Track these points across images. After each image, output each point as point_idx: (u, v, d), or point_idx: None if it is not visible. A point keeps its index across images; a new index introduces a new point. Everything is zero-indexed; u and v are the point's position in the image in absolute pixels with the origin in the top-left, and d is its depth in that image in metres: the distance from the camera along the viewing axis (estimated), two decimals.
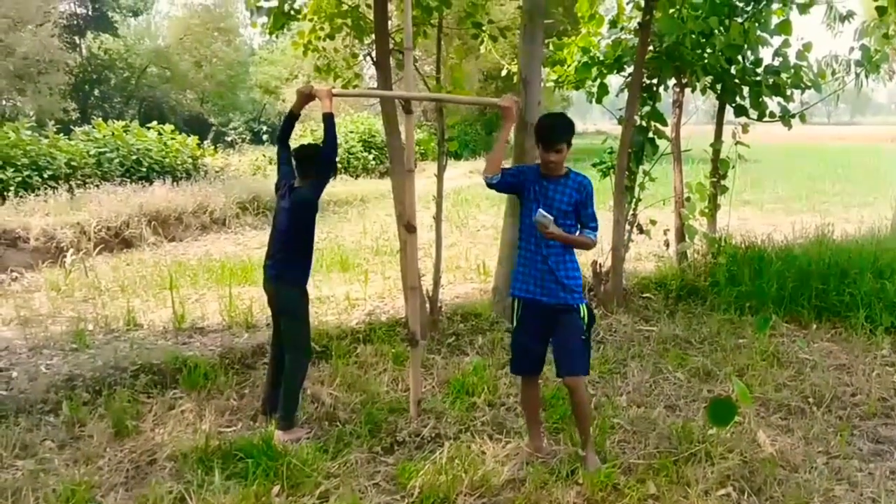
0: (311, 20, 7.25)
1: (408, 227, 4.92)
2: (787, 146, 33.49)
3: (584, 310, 4.23)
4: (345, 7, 6.75)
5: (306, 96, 4.83)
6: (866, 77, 8.78)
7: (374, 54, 6.45)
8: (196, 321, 7.24)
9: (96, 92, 41.47)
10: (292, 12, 6.36)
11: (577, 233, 4.20)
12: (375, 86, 6.90)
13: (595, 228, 4.22)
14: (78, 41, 39.28)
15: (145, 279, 9.39)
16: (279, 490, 4.06)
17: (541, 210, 4.01)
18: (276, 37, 7.41)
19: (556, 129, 4.10)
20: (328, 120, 4.83)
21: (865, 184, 20.77)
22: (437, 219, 6.79)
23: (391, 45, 6.40)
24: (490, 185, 4.39)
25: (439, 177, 6.74)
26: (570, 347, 4.19)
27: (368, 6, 6.48)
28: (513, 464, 4.38)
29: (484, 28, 7.21)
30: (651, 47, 7.58)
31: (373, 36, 6.56)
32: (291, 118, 5.08)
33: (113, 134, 15.75)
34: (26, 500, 3.92)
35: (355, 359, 6.17)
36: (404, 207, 6.56)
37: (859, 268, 7.25)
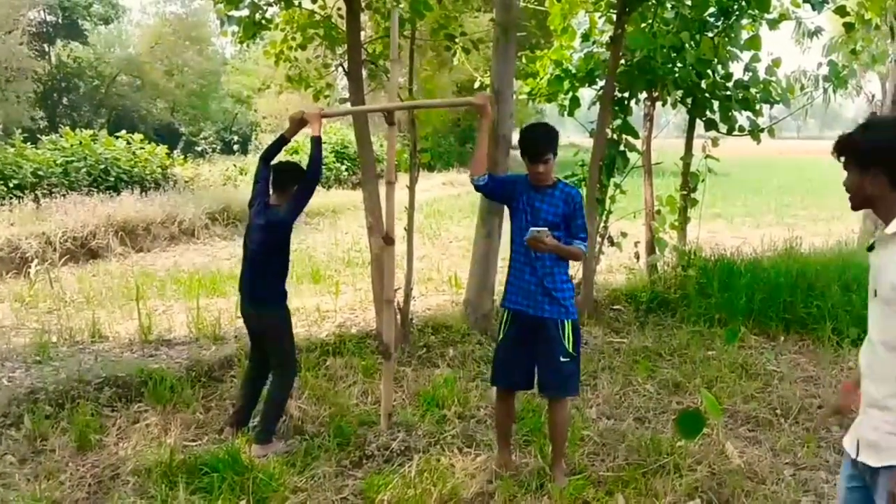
0: (282, 30, 7.21)
1: (386, 238, 4.85)
2: (757, 160, 33.93)
3: (569, 326, 4.14)
4: (317, 17, 6.72)
5: (298, 122, 4.78)
6: (834, 92, 8.92)
7: (346, 65, 6.43)
8: (163, 333, 7.13)
9: (65, 100, 40.96)
10: (263, 21, 6.32)
11: (568, 243, 4.12)
12: (347, 96, 6.87)
13: (585, 239, 4.16)
14: (47, 49, 38.80)
15: (111, 290, 9.25)
16: None
17: (532, 228, 3.93)
18: (248, 46, 7.35)
19: (541, 141, 4.06)
20: (316, 143, 4.79)
21: (833, 197, 21.06)
22: (409, 230, 6.77)
23: (363, 56, 6.39)
24: (477, 188, 4.37)
25: (411, 188, 6.72)
26: (554, 366, 4.13)
27: (341, 17, 6.45)
28: (482, 477, 4.35)
29: (457, 40, 7.21)
30: (623, 61, 7.64)
31: (345, 46, 6.54)
32: (282, 141, 5.03)
33: (81, 143, 15.54)
34: None
35: (325, 371, 6.11)
36: (376, 219, 6.57)
37: (826, 281, 7.33)
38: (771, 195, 21.82)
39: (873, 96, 11.91)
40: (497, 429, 4.60)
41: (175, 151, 19.56)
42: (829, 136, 75.83)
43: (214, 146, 32.53)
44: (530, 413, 5.22)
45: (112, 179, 15.16)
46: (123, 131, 17.44)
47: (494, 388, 4.55)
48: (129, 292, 9.02)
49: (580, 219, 4.12)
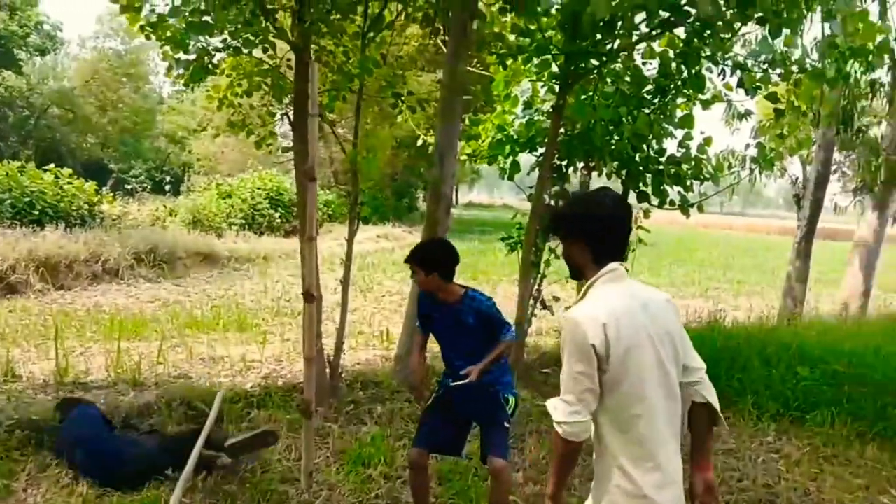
0: (228, 75, 7.17)
1: (306, 296, 4.74)
2: (681, 232, 34.95)
3: (512, 400, 4.25)
4: (265, 66, 6.72)
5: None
6: (759, 173, 9.29)
7: (291, 115, 6.42)
8: (80, 376, 6.86)
9: None
10: (210, 66, 6.28)
11: (494, 346, 4.14)
12: (288, 144, 6.85)
13: (509, 328, 4.20)
14: None
15: (27, 328, 8.89)
16: None
17: (451, 384, 4.10)
18: (191, 88, 7.23)
19: (415, 257, 4.16)
20: None
21: (754, 272, 21.86)
22: (345, 283, 6.71)
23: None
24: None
25: (349, 241, 6.69)
26: (496, 432, 4.16)
27: (290, 67, 6.46)
28: None
29: (403, 99, 7.29)
30: (562, 130, 7.82)
31: (291, 96, 6.54)
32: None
33: (7, 174, 15.03)
34: None
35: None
36: (310, 275, 6.49)
37: (748, 355, 7.53)
38: (694, 266, 22.47)
39: (797, 178, 12.45)
40: (415, 499, 4.50)
41: (104, 188, 19.06)
42: (750, 213, 79.07)
43: (145, 185, 31.89)
44: (457, 476, 5.17)
45: (37, 213, 14.66)
46: (52, 165, 16.91)
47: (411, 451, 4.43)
48: (46, 331, 8.69)
49: (495, 319, 4.15)
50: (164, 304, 11.29)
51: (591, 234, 2.59)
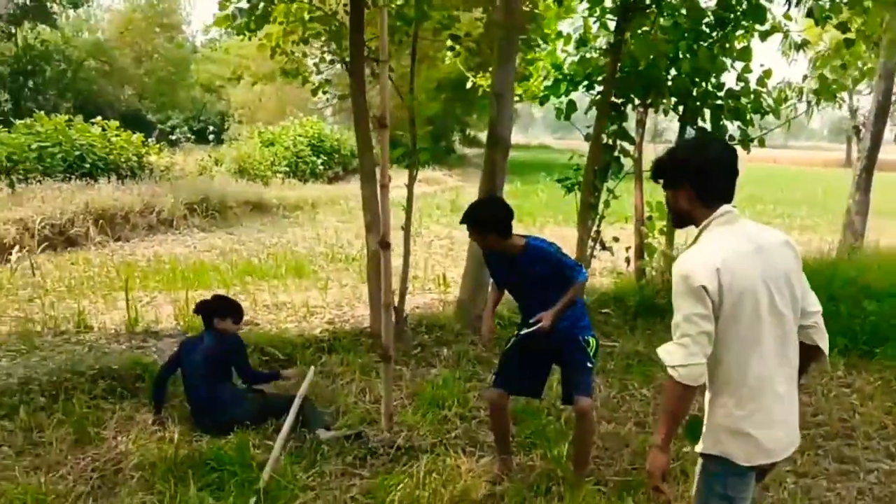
0: (281, 23, 7.12)
1: (382, 243, 4.77)
2: None
3: (592, 342, 4.24)
4: (320, 13, 6.65)
5: None
6: (816, 105, 9.06)
7: (348, 62, 6.38)
8: (150, 325, 7.02)
9: (31, 84, 40.08)
10: (267, 13, 6.24)
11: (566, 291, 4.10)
12: (348, 93, 6.81)
13: (579, 269, 4.16)
14: (14, 31, 37.91)
15: (92, 279, 9.09)
16: (255, 502, 3.95)
17: (524, 331, 4.09)
18: (244, 36, 7.19)
19: (469, 221, 4.12)
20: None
21: (804, 206, 21.48)
22: (406, 230, 6.74)
23: (366, 53, 6.34)
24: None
25: (409, 187, 6.69)
26: (580, 374, 4.18)
27: (346, 12, 6.40)
28: (488, 479, 4.35)
29: (461, 41, 7.20)
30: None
31: (346, 42, 6.48)
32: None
33: (56, 128, 15.20)
34: None
35: (321, 369, 6.06)
36: (374, 219, 6.53)
37: (815, 291, 7.43)
38: (742, 201, 22.06)
39: (856, 109, 12.13)
40: (495, 435, 4.58)
41: (150, 139, 19.20)
42: (793, 145, 77.24)
43: (188, 136, 32.03)
44: (530, 416, 5.23)
45: (88, 166, 14.85)
46: (99, 117, 17.08)
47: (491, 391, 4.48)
48: (110, 282, 8.89)
49: (561, 262, 4.12)
50: (220, 253, 11.46)
51: (697, 179, 2.54)
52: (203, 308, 5.29)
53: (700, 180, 2.54)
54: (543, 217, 16.20)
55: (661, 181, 2.69)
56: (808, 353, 2.68)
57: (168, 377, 5.19)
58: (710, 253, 2.44)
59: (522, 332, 4.14)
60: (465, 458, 4.61)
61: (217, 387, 5.02)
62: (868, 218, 11.85)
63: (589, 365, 4.20)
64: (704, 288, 2.37)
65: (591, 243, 7.91)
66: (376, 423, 5.06)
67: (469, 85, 9.79)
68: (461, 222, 4.16)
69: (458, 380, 5.92)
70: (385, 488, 4.15)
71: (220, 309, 5.27)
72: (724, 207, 2.53)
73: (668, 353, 2.45)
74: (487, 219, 4.08)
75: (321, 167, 22.93)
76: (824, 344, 2.67)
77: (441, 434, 4.98)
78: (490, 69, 7.38)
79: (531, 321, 4.03)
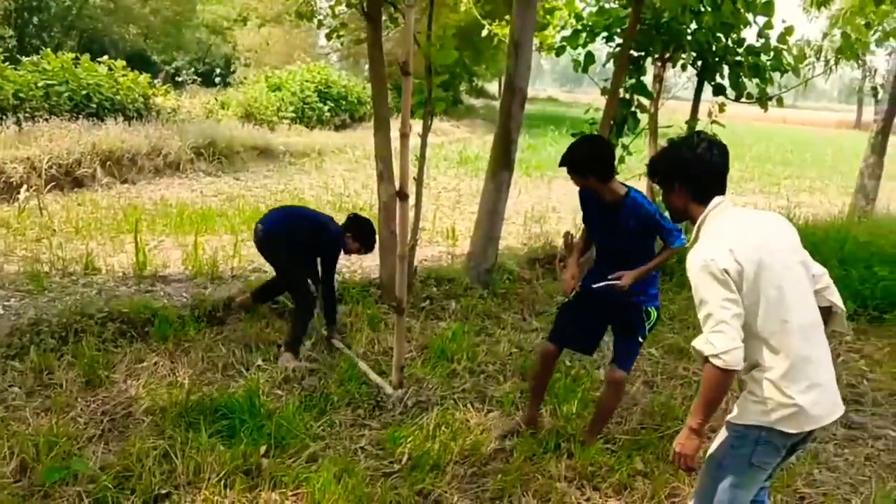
0: None
1: (400, 194, 4.67)
2: (734, 125, 33.94)
3: (654, 314, 4.09)
4: None
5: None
6: (836, 64, 8.88)
7: (365, 5, 6.24)
8: (158, 269, 6.99)
9: (35, 20, 39.53)
10: None
11: (653, 253, 4.01)
12: (363, 37, 6.67)
13: (678, 235, 3.87)
14: None
15: (100, 221, 9.03)
16: (266, 450, 3.96)
17: (599, 284, 3.93)
18: None
19: (567, 162, 3.93)
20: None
21: (813, 167, 21.29)
22: (419, 180, 6.65)
23: None
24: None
25: (423, 137, 6.58)
26: (629, 343, 4.11)
27: None
28: (497, 433, 4.36)
29: None
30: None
31: None
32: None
33: (63, 66, 14.97)
34: (0, 449, 3.74)
35: None
36: (386, 166, 6.45)
37: (825, 254, 7.39)
38: (751, 161, 21.89)
39: (875, 70, 11.92)
40: (532, 385, 4.54)
41: (156, 80, 18.94)
42: (803, 105, 76.35)
43: (195, 78, 31.63)
44: (562, 374, 5.22)
45: (94, 106, 14.63)
46: (105, 56, 16.82)
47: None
48: (118, 224, 8.84)
49: (656, 220, 3.87)
50: (227, 198, 11.38)
51: (688, 179, 2.69)
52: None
53: (691, 180, 2.70)
54: (553, 171, 16.06)
55: (657, 179, 2.86)
56: (826, 317, 2.76)
57: None
58: (718, 240, 2.55)
59: (596, 286, 3.97)
60: (474, 412, 4.64)
61: (302, 251, 5.49)
62: (881, 182, 11.74)
63: (640, 339, 4.11)
64: (726, 271, 2.45)
65: None
66: (386, 375, 5.05)
67: (485, 33, 9.59)
68: (560, 164, 3.94)
69: (467, 333, 5.91)
70: (395, 440, 4.16)
71: (359, 229, 5.63)
72: (717, 199, 2.68)
73: (709, 343, 2.45)
74: (584, 162, 3.86)
75: (328, 114, 22.66)
76: (839, 302, 2.78)
77: (450, 388, 4.98)
78: (507, 17, 7.22)
79: (610, 276, 3.88)
